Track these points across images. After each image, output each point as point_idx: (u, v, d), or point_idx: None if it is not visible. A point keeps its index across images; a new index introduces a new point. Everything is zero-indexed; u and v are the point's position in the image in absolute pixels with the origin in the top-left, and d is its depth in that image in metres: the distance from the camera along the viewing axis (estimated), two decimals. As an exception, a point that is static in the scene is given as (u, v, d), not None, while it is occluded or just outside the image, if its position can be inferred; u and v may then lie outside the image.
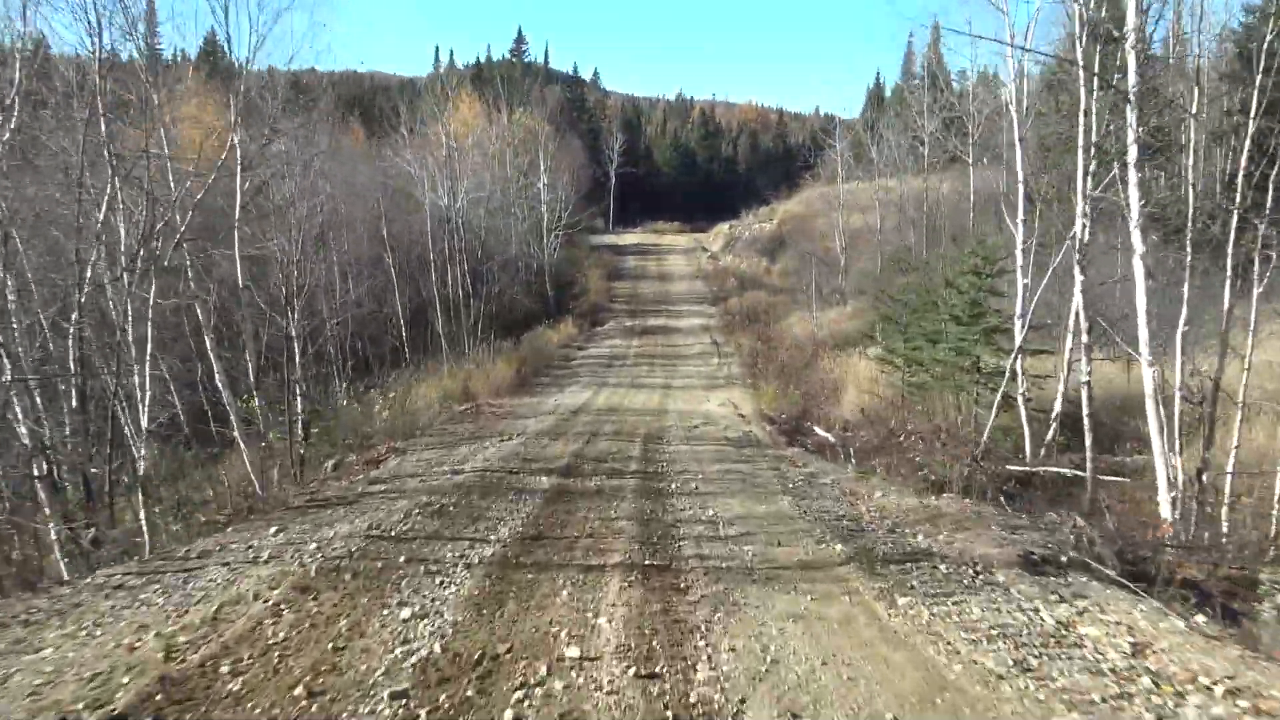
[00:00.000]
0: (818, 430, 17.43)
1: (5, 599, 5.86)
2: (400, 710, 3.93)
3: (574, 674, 4.32)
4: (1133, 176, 9.05)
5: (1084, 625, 4.97)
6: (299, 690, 4.09)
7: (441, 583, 5.69)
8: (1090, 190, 11.30)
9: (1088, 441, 11.18)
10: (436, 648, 4.60)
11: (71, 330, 10.50)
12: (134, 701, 3.97)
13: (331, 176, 28.41)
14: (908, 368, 17.89)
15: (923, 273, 18.35)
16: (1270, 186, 9.36)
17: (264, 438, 14.59)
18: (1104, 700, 4.02)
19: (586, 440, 14.18)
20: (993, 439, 12.94)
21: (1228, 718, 3.83)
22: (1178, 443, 9.24)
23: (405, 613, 5.12)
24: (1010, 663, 4.44)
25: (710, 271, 50.51)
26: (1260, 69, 9.70)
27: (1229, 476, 9.09)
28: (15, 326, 10.71)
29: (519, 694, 4.10)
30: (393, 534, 7.06)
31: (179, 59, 33.10)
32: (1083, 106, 11.08)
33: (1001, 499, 9.46)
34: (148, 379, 12.00)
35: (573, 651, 4.56)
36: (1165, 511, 8.67)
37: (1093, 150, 11.15)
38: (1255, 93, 9.81)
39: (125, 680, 4.18)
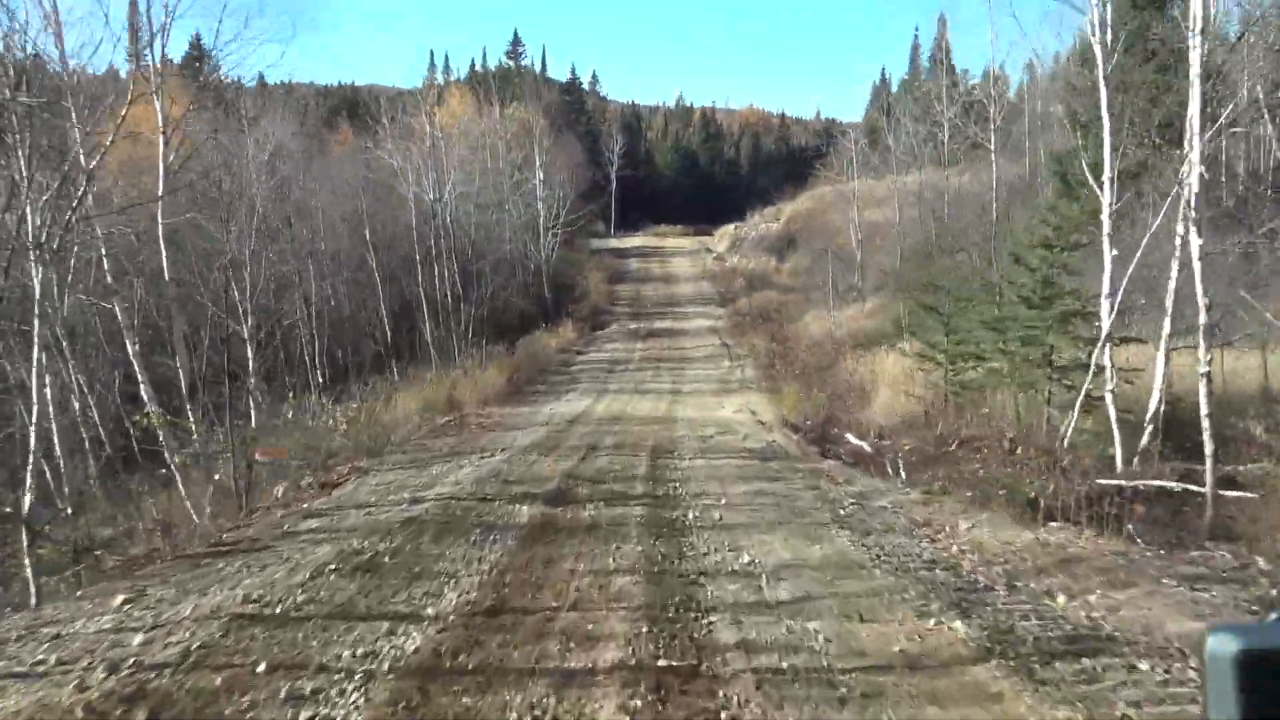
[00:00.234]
0: (851, 438, 15.14)
1: None
2: None
3: None
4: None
5: None
6: None
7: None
8: (1203, 135, 9.02)
9: (1208, 449, 8.89)
10: None
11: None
12: None
13: (310, 172, 26.32)
14: (951, 365, 15.57)
15: (970, 254, 16.09)
16: None
17: (206, 459, 12.33)
18: None
19: (583, 455, 11.90)
20: (1073, 446, 10.65)
21: None
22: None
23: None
24: None
25: (717, 272, 48.35)
26: None
27: None
28: None
29: None
30: (277, 611, 4.75)
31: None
32: (1198, 24, 8.81)
33: (1130, 528, 7.15)
34: (44, 387, 9.74)
35: None
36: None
37: (1212, 80, 8.87)
38: None
39: None
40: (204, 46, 35.89)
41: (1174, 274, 10.11)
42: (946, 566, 5.70)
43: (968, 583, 5.26)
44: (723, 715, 3.41)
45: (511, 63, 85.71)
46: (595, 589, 5.21)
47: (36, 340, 8.71)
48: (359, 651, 4.08)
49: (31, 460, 9.13)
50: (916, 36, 58.47)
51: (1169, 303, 10.17)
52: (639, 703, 3.50)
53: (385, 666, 3.88)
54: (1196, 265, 8.88)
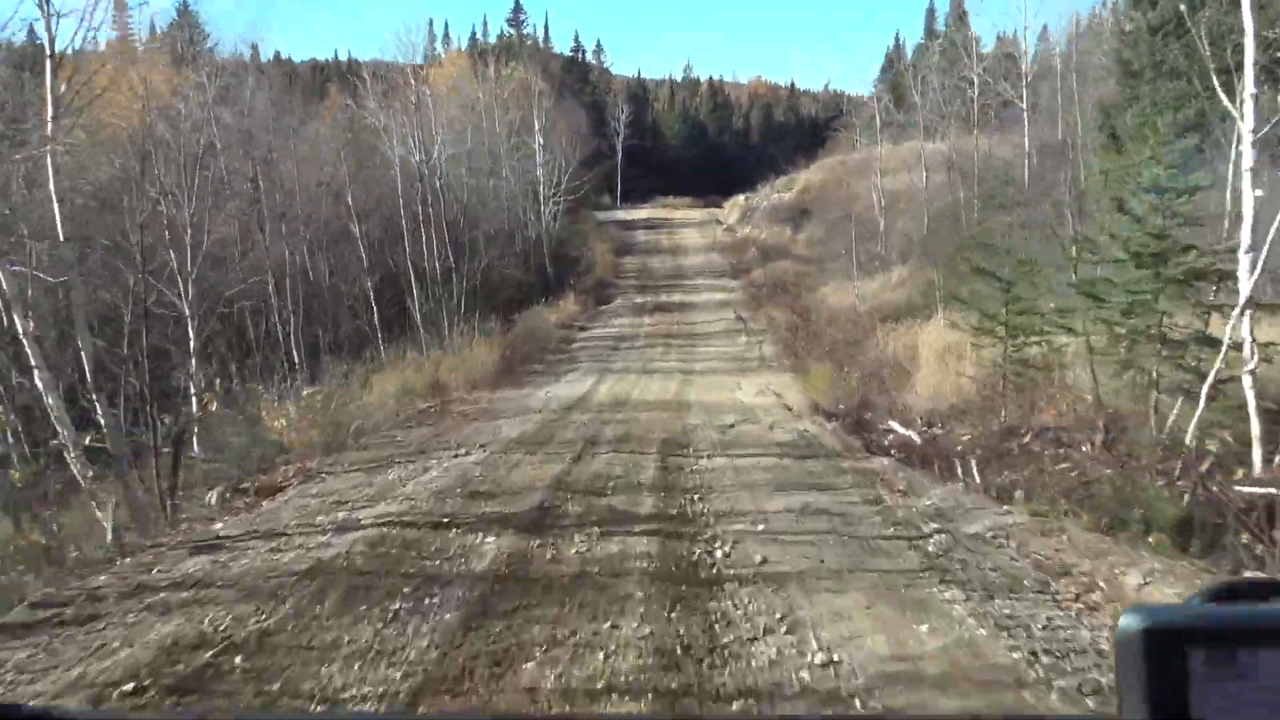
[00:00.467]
0: (896, 426, 12.88)
1: None
2: None
3: None
4: None
5: None
6: None
7: None
8: None
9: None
10: None
11: None
12: None
13: (287, 135, 24.01)
14: (1012, 339, 13.24)
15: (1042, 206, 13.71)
16: None
17: (119, 462, 10.12)
18: None
19: (577, 454, 9.67)
20: (1197, 441, 8.37)
21: None
22: None
23: None
24: None
25: (727, 243, 45.98)
26: None
27: None
28: None
29: None
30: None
31: None
32: None
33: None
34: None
35: None
36: None
37: None
38: None
39: None
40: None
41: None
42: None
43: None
44: None
45: (513, 30, 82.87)
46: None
47: None
48: None
49: None
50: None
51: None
52: None
53: None
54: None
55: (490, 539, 5.91)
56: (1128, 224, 9.20)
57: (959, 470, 9.31)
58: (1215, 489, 7.33)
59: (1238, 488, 7.48)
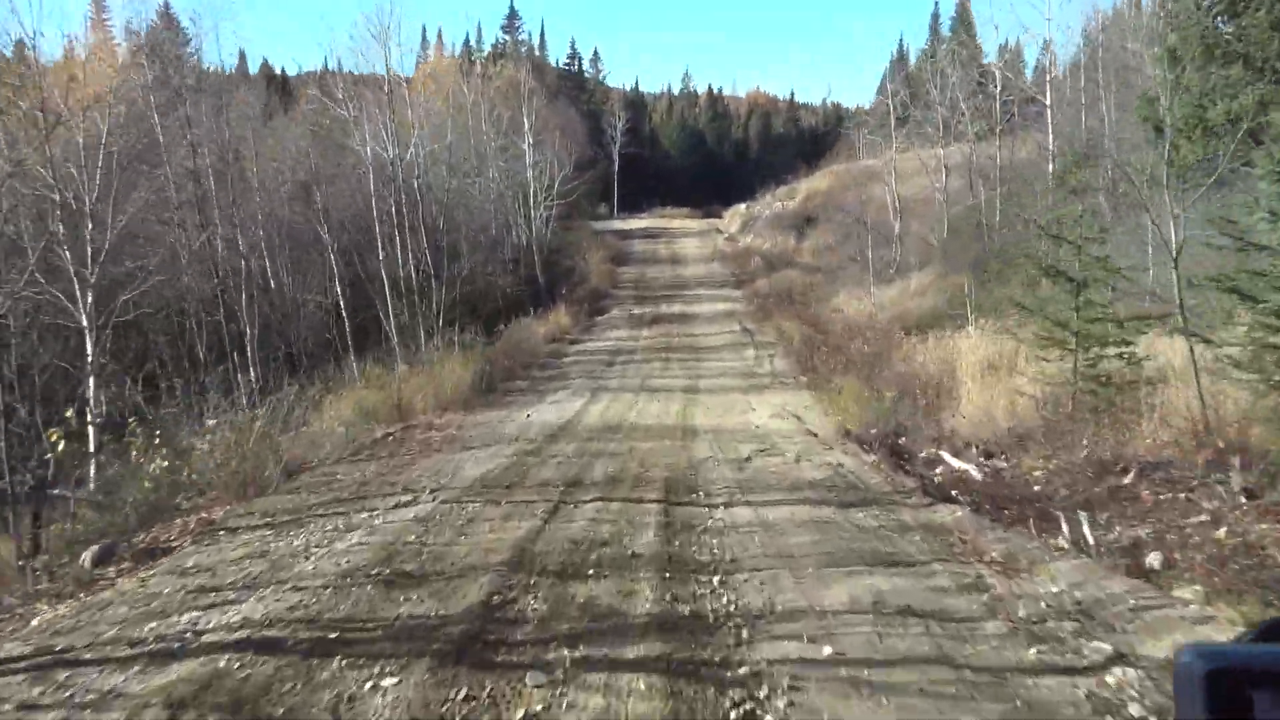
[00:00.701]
0: (947, 457, 10.60)
1: None
2: None
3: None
4: None
5: None
6: None
7: None
8: None
9: None
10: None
11: None
12: None
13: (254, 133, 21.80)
14: (1084, 350, 10.98)
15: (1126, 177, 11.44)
16: None
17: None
18: None
19: (554, 505, 7.35)
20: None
21: None
22: None
23: None
24: None
25: (728, 253, 43.88)
26: None
27: None
28: None
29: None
30: None
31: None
32: None
33: None
34: None
35: None
36: None
37: None
38: None
39: None
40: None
41: None
42: None
43: None
44: None
45: (508, 37, 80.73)
46: None
47: None
48: None
49: None
50: (937, 3, 52.83)
51: None
52: None
53: None
54: None
55: (389, 681, 3.60)
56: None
57: (1064, 526, 6.99)
58: None
59: None
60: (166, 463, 8.31)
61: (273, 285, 20.84)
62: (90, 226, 10.50)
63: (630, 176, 69.30)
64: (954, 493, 9.08)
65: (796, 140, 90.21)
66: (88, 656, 4.08)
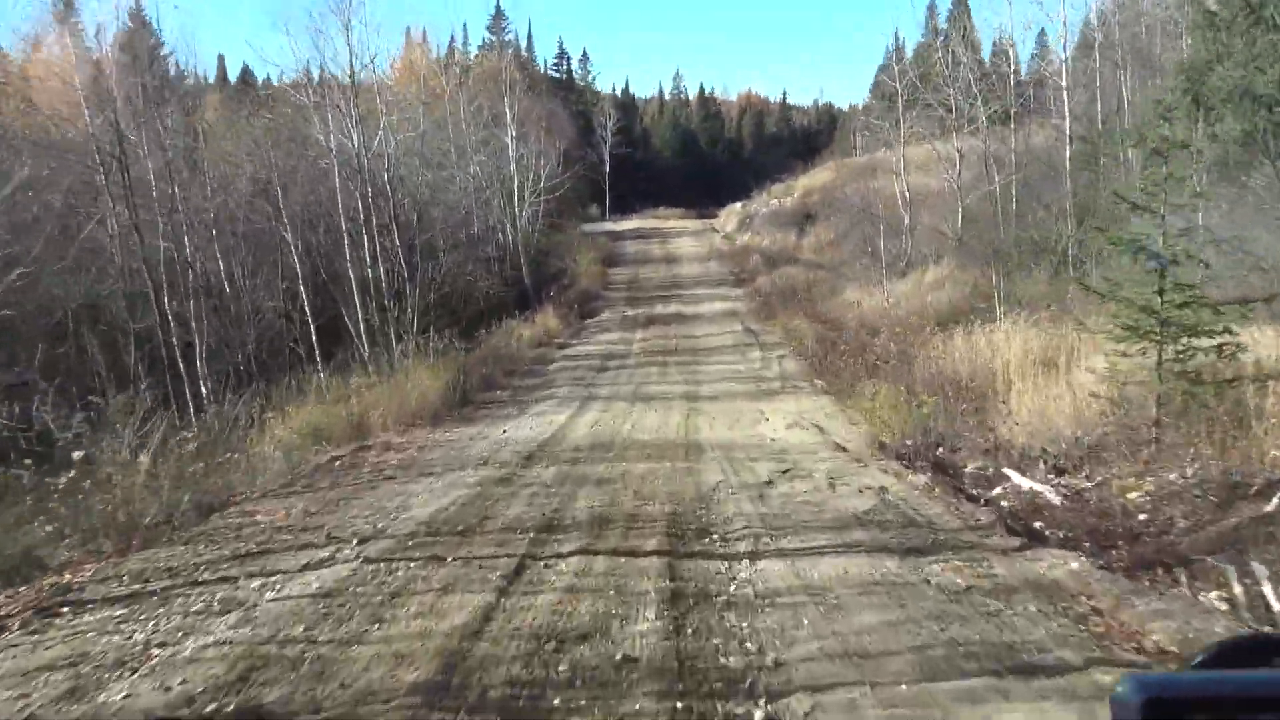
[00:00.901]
0: (1014, 476, 8.66)
1: None
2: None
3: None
4: None
5: None
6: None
7: None
8: None
9: None
10: None
11: None
12: None
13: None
14: (1172, 340, 8.99)
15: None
16: None
17: None
18: None
19: (520, 560, 5.38)
20: None
21: None
22: None
23: None
24: None
25: (726, 251, 42.05)
26: None
27: None
28: None
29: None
30: None
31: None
32: None
33: None
34: None
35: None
36: None
37: None
38: None
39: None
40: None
41: None
42: None
43: None
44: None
45: (494, 38, 78.61)
46: None
47: None
48: None
49: None
50: None
51: None
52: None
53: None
54: None
55: None
56: None
57: (1233, 584, 5.00)
58: None
59: None
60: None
61: (227, 290, 18.84)
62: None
63: (622, 178, 67.41)
64: (1038, 525, 7.13)
65: (789, 140, 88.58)
66: None
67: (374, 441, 11.63)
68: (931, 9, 48.71)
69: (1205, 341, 8.85)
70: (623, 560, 5.43)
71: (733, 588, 4.87)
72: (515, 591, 4.79)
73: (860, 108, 55.72)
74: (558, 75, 78.74)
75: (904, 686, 3.42)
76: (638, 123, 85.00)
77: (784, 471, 8.80)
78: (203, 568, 5.87)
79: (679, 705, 3.29)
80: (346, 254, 19.45)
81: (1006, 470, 8.78)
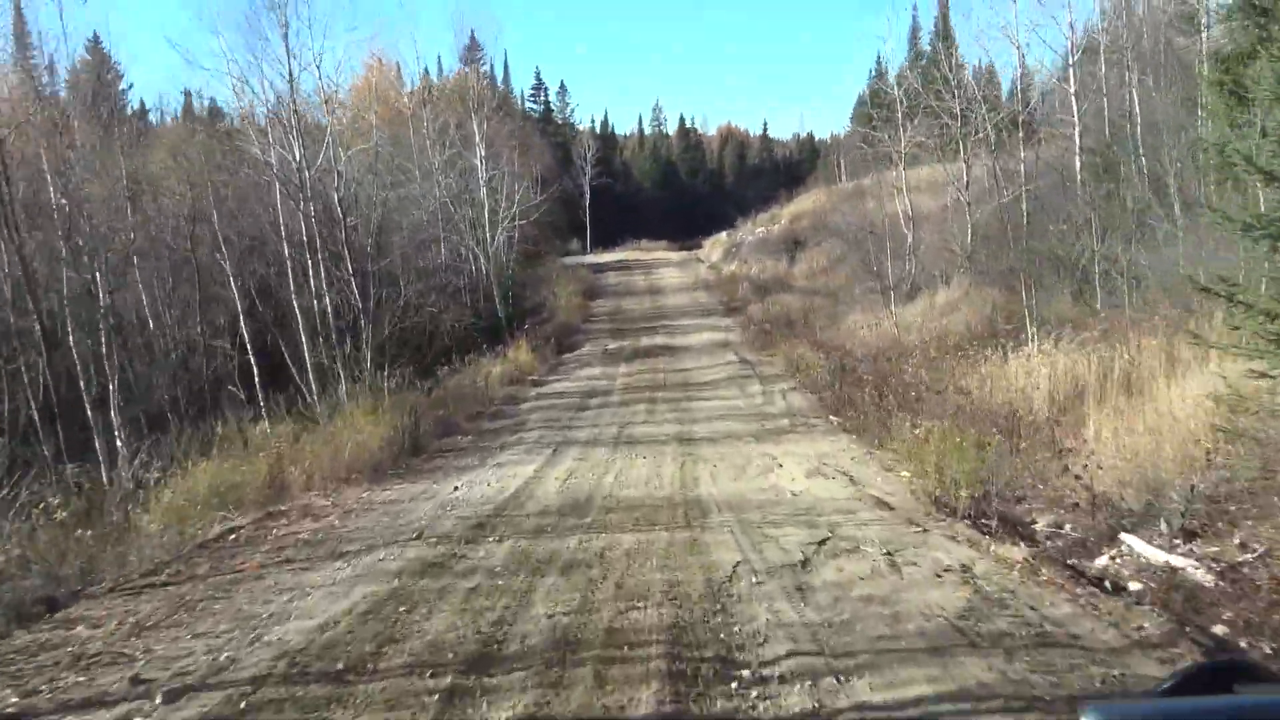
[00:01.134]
0: (1136, 544, 6.42)
1: None
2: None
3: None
4: None
5: None
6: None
7: None
8: None
9: None
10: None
11: None
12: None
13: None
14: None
15: None
16: None
17: None
18: None
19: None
20: None
21: None
22: None
23: None
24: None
25: (712, 281, 39.96)
26: None
27: None
28: None
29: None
30: None
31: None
32: None
33: None
34: None
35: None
36: None
37: None
38: None
39: None
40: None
41: None
42: None
43: None
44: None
45: (469, 69, 76.87)
46: None
47: None
48: None
49: None
50: (915, 16, 48.98)
51: None
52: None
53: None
54: None
55: None
56: None
57: None
58: None
59: None
60: None
61: (151, 326, 16.46)
62: None
63: (602, 211, 65.33)
64: (1200, 620, 4.81)
65: (771, 171, 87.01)
66: None
67: (290, 505, 9.23)
68: (914, 30, 47.29)
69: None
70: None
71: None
72: None
73: (842, 136, 54.11)
74: (535, 107, 76.79)
75: None
76: (618, 156, 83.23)
77: (819, 542, 6.48)
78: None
79: None
80: (291, 283, 17.11)
81: (1128, 539, 6.48)
